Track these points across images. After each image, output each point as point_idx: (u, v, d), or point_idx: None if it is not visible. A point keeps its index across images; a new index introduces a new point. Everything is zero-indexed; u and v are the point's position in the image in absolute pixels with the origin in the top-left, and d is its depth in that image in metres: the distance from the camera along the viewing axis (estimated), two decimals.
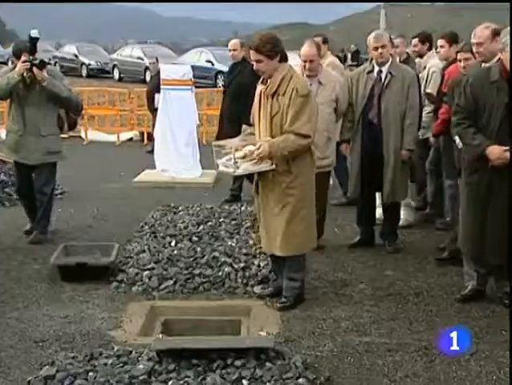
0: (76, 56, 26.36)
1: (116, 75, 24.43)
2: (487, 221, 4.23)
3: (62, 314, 4.26)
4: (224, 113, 7.41)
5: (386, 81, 5.37)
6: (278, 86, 4.20)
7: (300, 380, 3.22)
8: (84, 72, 25.69)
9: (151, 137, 11.33)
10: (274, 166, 4.18)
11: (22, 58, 5.45)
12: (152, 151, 11.19)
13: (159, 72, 11.64)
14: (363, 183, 5.54)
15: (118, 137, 12.56)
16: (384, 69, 5.38)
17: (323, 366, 3.56)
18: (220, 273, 4.85)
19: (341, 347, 3.80)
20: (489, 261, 4.35)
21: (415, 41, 7.01)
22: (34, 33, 5.38)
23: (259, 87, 4.36)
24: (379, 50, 5.32)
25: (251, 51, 4.21)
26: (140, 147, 11.94)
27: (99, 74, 25.35)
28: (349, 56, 25.65)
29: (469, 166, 4.33)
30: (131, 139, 12.85)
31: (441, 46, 6.25)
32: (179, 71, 8.91)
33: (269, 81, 4.24)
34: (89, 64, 25.80)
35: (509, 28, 4.40)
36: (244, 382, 3.17)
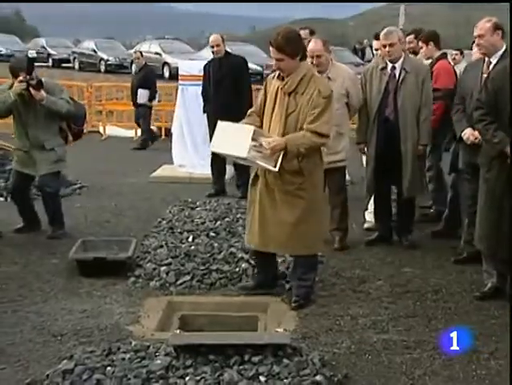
0: (95, 52, 26.48)
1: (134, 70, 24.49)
2: (503, 218, 4.19)
3: (81, 309, 4.29)
4: (216, 109, 7.09)
5: (401, 77, 5.33)
6: (297, 84, 4.14)
7: (317, 377, 3.20)
8: (103, 68, 25.81)
9: (168, 132, 11.40)
10: (276, 169, 4.09)
11: (20, 77, 5.48)
12: (139, 148, 11.30)
13: (143, 67, 11.69)
14: (379, 179, 5.51)
15: (136, 132, 12.58)
16: (398, 65, 5.34)
17: (341, 363, 3.54)
18: (237, 269, 4.84)
19: (359, 344, 3.78)
20: (504, 258, 4.30)
21: (410, 38, 6.93)
22: (31, 53, 5.44)
23: (275, 83, 4.27)
24: (387, 49, 5.29)
25: (272, 49, 4.10)
26: (158, 142, 11.96)
27: (117, 69, 25.44)
28: (368, 51, 25.37)
29: (487, 163, 4.29)
30: None
31: (421, 47, 6.31)
32: (196, 67, 8.90)
33: (287, 78, 4.17)
34: (107, 60, 25.90)
35: None
36: (261, 378, 3.16)
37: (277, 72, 4.26)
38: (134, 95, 11.49)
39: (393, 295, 4.56)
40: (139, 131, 12.65)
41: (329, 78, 5.37)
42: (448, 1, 54.75)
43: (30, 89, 5.47)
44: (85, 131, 12.37)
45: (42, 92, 5.50)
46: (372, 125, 5.45)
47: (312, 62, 5.37)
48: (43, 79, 5.69)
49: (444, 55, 6.33)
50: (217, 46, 7.32)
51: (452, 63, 8.67)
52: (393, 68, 5.36)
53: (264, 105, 4.33)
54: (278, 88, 4.22)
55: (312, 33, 7.13)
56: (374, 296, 4.55)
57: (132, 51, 26.05)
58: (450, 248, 5.49)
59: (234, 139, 4.08)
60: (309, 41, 5.65)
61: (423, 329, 4.01)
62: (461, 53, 9.46)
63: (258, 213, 4.31)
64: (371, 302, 4.43)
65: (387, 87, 5.36)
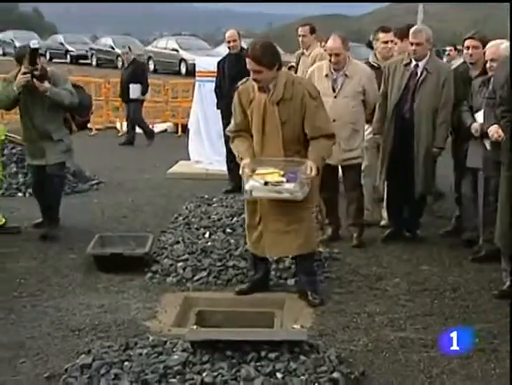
0: (112, 48, 26.61)
1: (151, 67, 24.59)
2: None
3: (98, 304, 4.32)
4: (231, 105, 7.14)
5: (421, 77, 5.31)
6: (283, 91, 4.09)
7: (334, 374, 3.19)
8: (120, 64, 25.92)
9: (185, 129, 11.40)
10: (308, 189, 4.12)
11: (22, 69, 5.43)
12: (125, 143, 11.26)
13: (132, 62, 11.63)
14: (392, 176, 5.50)
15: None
16: (421, 64, 5.32)
17: (358, 360, 3.53)
18: None
19: (375, 342, 3.76)
20: None
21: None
22: (33, 43, 5.40)
23: (260, 96, 4.15)
24: (413, 47, 5.28)
25: (249, 60, 4.04)
26: (175, 138, 12.00)
27: None
28: None
29: (508, 160, 4.25)
30: (165, 130, 12.92)
31: (395, 43, 6.18)
32: (213, 63, 8.90)
33: (271, 89, 4.11)
34: None
35: None
36: (278, 374, 3.16)
37: (251, 83, 4.19)
38: (125, 90, 11.35)
39: (410, 293, 4.54)
40: (155, 128, 12.68)
41: (346, 75, 5.37)
42: (449, 0, 55.43)
43: (34, 80, 5.44)
44: (102, 127, 12.49)
45: (46, 83, 5.49)
46: (390, 120, 5.44)
47: (330, 60, 5.36)
48: (49, 68, 5.71)
49: None
50: (234, 41, 7.32)
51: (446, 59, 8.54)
52: (416, 66, 5.34)
53: (245, 120, 4.26)
54: (265, 101, 4.14)
55: (313, 30, 7.06)
56: (391, 293, 4.53)
57: (149, 47, 26.21)
58: (467, 246, 5.44)
59: (251, 182, 4.15)
60: (327, 39, 5.61)
61: (440, 327, 3.98)
62: (456, 49, 9.26)
63: (271, 224, 4.29)
64: (388, 300, 4.41)
65: (407, 83, 5.34)
